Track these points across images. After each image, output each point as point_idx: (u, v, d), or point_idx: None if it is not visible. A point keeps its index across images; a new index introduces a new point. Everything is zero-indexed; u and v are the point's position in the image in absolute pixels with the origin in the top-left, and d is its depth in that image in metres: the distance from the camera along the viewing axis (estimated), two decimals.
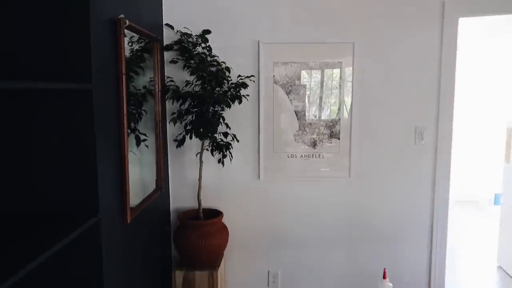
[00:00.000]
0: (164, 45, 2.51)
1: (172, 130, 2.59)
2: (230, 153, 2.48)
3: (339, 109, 2.59)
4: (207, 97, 2.31)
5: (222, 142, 2.47)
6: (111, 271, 1.73)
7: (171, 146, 2.63)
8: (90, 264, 1.53)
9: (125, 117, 1.77)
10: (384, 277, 1.41)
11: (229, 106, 2.42)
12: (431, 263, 2.67)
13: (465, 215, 4.96)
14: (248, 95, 2.48)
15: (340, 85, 2.57)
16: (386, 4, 2.49)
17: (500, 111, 4.78)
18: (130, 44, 2.22)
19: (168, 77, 2.52)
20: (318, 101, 2.60)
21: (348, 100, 2.57)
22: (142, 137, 2.31)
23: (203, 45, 2.42)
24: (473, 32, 4.46)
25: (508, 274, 3.33)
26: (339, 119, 2.60)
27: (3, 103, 1.45)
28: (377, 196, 2.65)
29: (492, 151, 5.03)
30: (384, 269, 1.42)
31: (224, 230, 2.51)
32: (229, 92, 2.43)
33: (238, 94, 2.44)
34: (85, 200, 1.52)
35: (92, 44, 1.46)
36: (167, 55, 2.54)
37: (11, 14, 1.41)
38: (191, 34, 2.42)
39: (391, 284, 1.43)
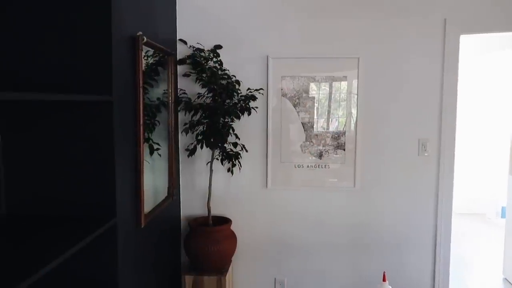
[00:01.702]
0: (178, 59, 2.64)
1: (184, 140, 2.70)
2: (239, 162, 2.58)
3: (345, 120, 2.69)
4: (218, 109, 2.42)
5: (231, 152, 2.57)
6: (126, 272, 1.82)
7: (182, 155, 2.74)
8: (106, 264, 1.63)
9: (141, 127, 1.89)
10: (384, 279, 1.48)
11: (239, 118, 2.53)
12: (435, 273, 2.72)
13: (472, 228, 4.97)
14: (257, 107, 2.59)
15: (346, 98, 2.67)
16: (390, 21, 2.60)
17: (507, 124, 4.82)
18: (145, 58, 2.36)
19: (181, 89, 2.64)
20: (324, 113, 2.70)
21: (354, 112, 2.67)
22: (156, 146, 2.43)
23: (214, 59, 2.55)
24: (476, 47, 4.55)
25: None
26: (345, 131, 2.69)
27: (33, 113, 1.57)
28: (382, 206, 2.72)
29: (499, 164, 5.06)
30: (384, 272, 1.49)
31: (232, 237, 2.60)
32: (239, 104, 2.54)
33: (248, 106, 2.55)
34: (103, 204, 1.63)
35: (113, 60, 1.59)
36: (180, 69, 2.67)
37: (40, 34, 1.54)
38: (203, 49, 2.55)
39: (390, 287, 1.50)
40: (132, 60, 1.85)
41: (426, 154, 2.66)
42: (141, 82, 1.87)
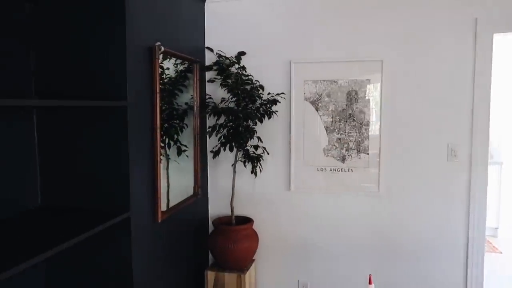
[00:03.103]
0: (206, 65, 2.79)
1: (214, 142, 2.83)
2: (260, 164, 2.66)
3: (367, 125, 2.65)
4: (238, 113, 2.53)
5: (253, 154, 2.66)
6: (141, 263, 1.99)
7: (210, 157, 2.88)
8: (121, 254, 1.80)
9: (158, 129, 2.06)
10: (370, 282, 1.46)
11: (261, 121, 2.62)
12: (467, 286, 2.57)
13: None
14: (276, 111, 2.66)
15: (369, 102, 2.64)
16: (415, 21, 2.52)
17: None
18: (175, 65, 2.55)
19: (207, 94, 2.79)
20: (347, 116, 2.68)
21: (378, 115, 2.63)
22: (183, 148, 2.60)
23: (237, 65, 2.66)
24: None
25: None
26: (369, 134, 2.65)
27: (57, 117, 1.79)
28: (407, 213, 2.63)
29: None
30: (370, 275, 1.47)
31: (253, 236, 2.68)
32: (261, 108, 2.63)
33: (270, 110, 2.63)
34: (119, 199, 1.80)
35: (128, 68, 1.76)
36: (209, 75, 2.82)
37: (61, 45, 1.76)
38: (227, 56, 2.67)
39: None
40: (149, 68, 2.03)
41: (456, 160, 2.54)
42: (157, 88, 2.03)
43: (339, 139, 2.70)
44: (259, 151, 2.69)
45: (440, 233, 2.59)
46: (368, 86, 2.63)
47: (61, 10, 1.73)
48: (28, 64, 1.75)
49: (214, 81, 2.73)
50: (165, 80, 2.37)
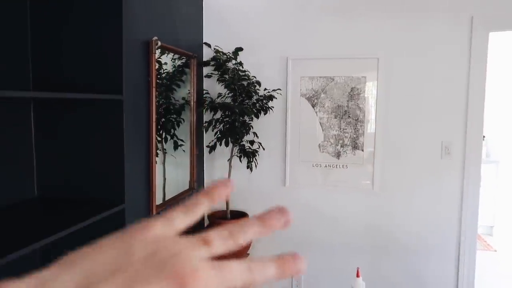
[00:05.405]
0: (203, 61, 2.81)
1: (211, 137, 2.85)
2: (256, 160, 2.69)
3: (363, 122, 2.67)
4: (234, 108, 2.55)
5: (249, 150, 2.69)
6: None
7: (206, 151, 2.90)
8: None
9: (154, 123, 2.08)
10: (357, 275, 1.49)
11: (257, 117, 2.64)
12: (458, 283, 2.60)
13: None
14: (272, 107, 2.68)
15: (365, 99, 2.66)
16: (412, 20, 2.54)
17: None
18: (173, 60, 2.57)
19: (205, 89, 2.81)
20: (342, 113, 2.70)
21: (373, 112, 2.65)
22: (180, 142, 2.62)
23: (234, 61, 2.68)
24: None
25: None
26: (364, 131, 2.67)
27: (53, 109, 1.81)
28: (401, 209, 2.66)
29: None
30: (358, 268, 1.50)
31: None
32: (257, 104, 2.65)
33: (266, 106, 2.65)
34: (113, 191, 1.83)
35: (124, 62, 1.78)
36: (206, 70, 2.83)
37: (58, 37, 1.78)
38: (224, 52, 2.69)
39: (364, 283, 1.51)
40: (146, 62, 2.04)
41: (449, 158, 2.56)
42: (154, 82, 2.05)
43: (334, 135, 2.72)
44: (255, 146, 2.71)
45: (433, 230, 2.62)
46: (364, 83, 2.65)
47: (59, 2, 1.74)
48: (25, 57, 1.77)
49: (211, 76, 2.75)
50: (163, 75, 2.39)
